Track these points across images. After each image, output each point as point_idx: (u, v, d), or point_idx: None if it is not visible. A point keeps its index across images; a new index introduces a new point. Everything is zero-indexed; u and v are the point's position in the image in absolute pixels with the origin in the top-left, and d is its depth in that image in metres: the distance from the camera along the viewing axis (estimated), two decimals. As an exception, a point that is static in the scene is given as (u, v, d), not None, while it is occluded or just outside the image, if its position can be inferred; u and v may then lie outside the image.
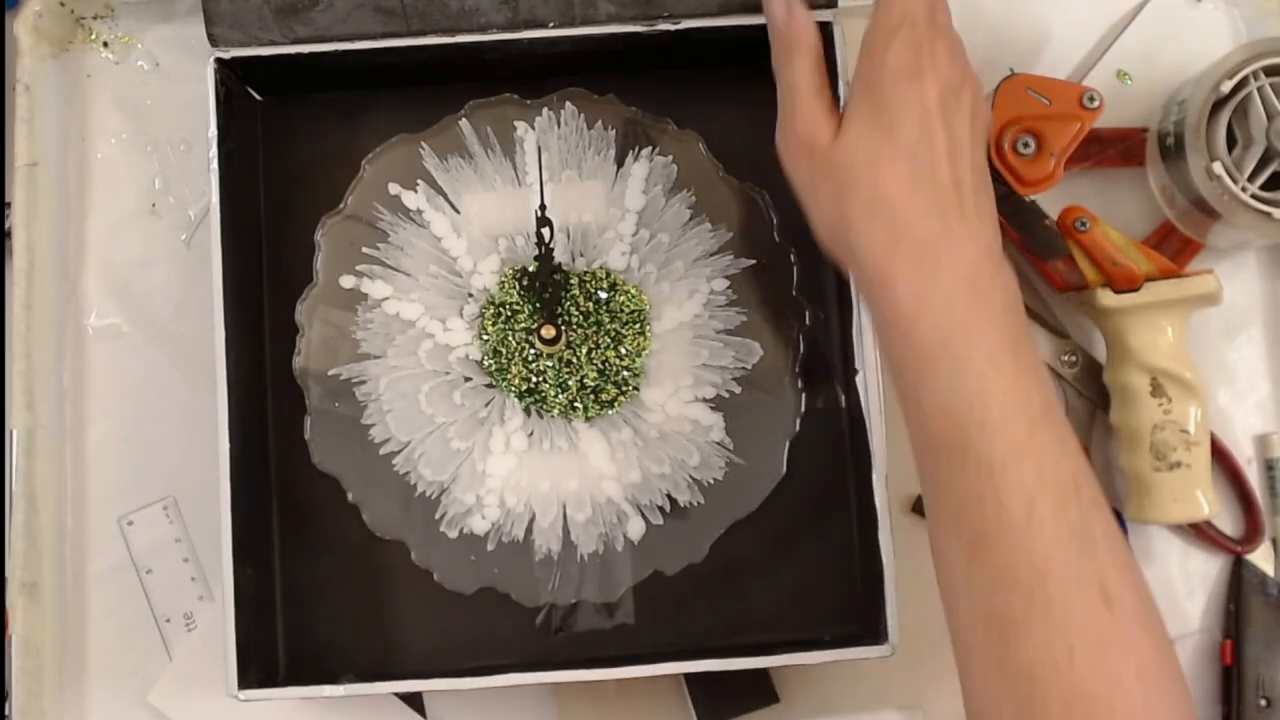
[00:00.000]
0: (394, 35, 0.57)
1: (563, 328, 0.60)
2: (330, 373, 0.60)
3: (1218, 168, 0.58)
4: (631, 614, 0.60)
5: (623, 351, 0.60)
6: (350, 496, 0.59)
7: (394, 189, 0.61)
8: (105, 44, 0.65)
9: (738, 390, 0.60)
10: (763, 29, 0.57)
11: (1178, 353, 0.59)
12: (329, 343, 0.60)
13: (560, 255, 0.60)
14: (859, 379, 0.56)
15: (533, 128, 0.61)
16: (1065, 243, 0.60)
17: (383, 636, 0.60)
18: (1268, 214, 0.58)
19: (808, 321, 0.60)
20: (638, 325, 0.60)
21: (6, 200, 0.63)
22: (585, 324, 0.60)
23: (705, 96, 0.62)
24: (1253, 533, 0.62)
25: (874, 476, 0.55)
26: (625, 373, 0.60)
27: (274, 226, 0.62)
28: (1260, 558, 0.62)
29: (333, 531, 0.60)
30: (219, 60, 0.57)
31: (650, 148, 0.61)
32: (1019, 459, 0.43)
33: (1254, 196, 0.58)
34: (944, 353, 0.44)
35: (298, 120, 0.62)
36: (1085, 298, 0.61)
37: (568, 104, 0.61)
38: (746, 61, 0.61)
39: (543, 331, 0.59)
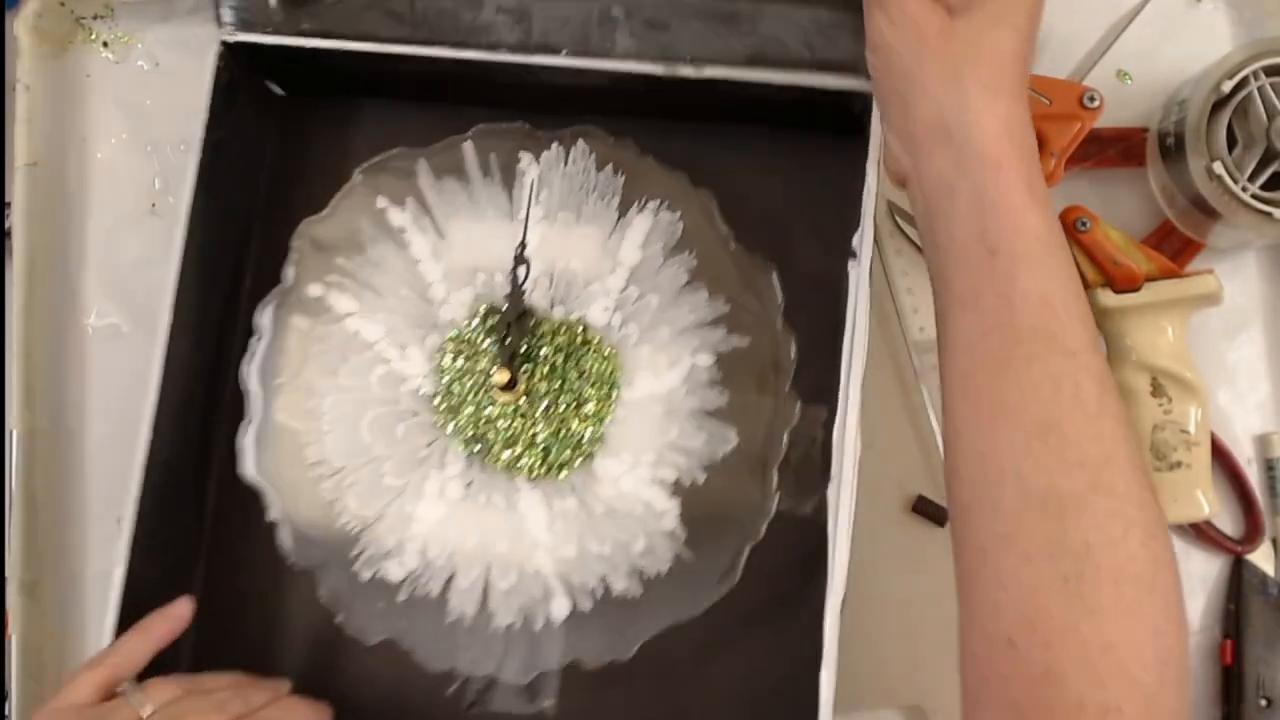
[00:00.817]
0: (401, 41, 0.55)
1: (523, 377, 0.55)
2: (276, 381, 0.57)
3: (1218, 168, 0.58)
4: (554, 700, 0.55)
5: (584, 413, 0.55)
6: (269, 514, 0.56)
7: (381, 202, 0.58)
8: (105, 44, 0.65)
9: (702, 479, 0.54)
10: (792, 89, 0.52)
11: (1178, 353, 0.59)
12: (283, 350, 0.57)
13: (539, 299, 0.56)
14: (830, 490, 0.50)
15: (538, 160, 0.57)
16: (1065, 243, 0.60)
17: (290, 672, 0.55)
18: (1268, 214, 0.58)
19: (796, 419, 0.55)
20: (605, 389, 0.55)
21: (6, 200, 0.63)
22: (549, 378, 0.55)
23: (727, 154, 0.57)
24: (1253, 533, 0.62)
25: (828, 601, 0.48)
26: (582, 437, 0.55)
27: (266, 225, 0.60)
28: (1260, 558, 0.62)
29: (254, 548, 0.57)
30: (224, 44, 0.55)
31: (658, 201, 0.56)
32: (1096, 350, 0.44)
33: (1254, 196, 0.58)
34: (1050, 240, 0.44)
35: (310, 121, 0.60)
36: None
37: (580, 141, 0.57)
38: (776, 122, 0.56)
39: (495, 375, 0.54)
